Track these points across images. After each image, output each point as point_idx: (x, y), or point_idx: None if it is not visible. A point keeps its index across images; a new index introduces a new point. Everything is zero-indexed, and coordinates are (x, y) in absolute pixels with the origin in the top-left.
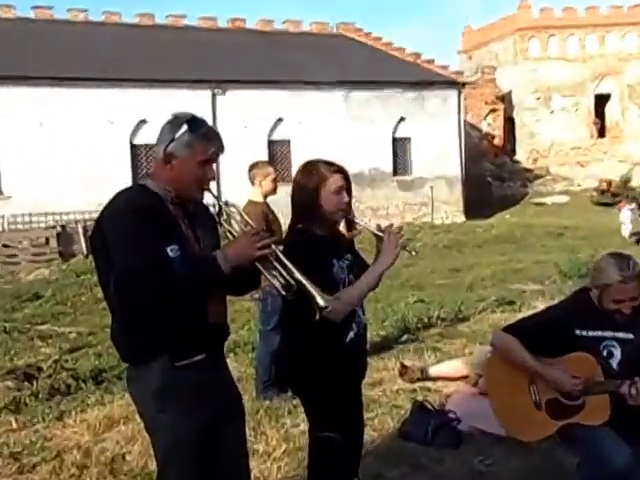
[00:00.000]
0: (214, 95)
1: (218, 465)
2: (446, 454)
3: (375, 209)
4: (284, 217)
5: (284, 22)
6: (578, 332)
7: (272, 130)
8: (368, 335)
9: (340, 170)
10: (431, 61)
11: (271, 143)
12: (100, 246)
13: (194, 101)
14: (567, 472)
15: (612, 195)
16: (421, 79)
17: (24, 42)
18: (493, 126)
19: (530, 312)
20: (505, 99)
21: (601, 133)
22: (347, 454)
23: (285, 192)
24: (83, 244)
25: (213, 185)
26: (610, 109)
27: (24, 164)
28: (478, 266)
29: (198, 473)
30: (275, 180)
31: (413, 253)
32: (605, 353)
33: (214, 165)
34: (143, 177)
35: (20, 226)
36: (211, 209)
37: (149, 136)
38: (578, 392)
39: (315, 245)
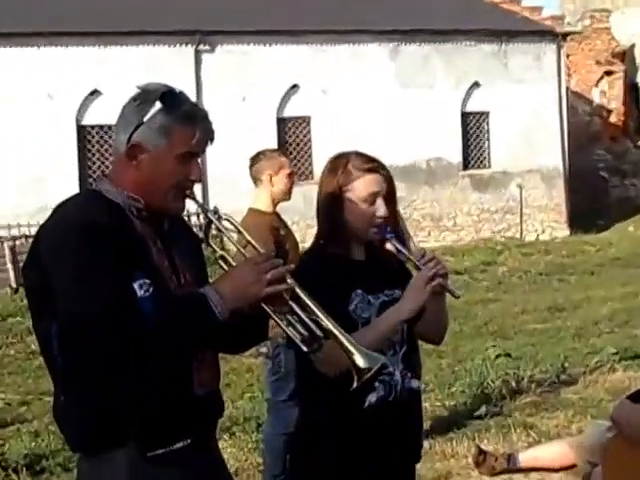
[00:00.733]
0: (198, 52)
1: None
2: None
3: (436, 219)
4: (301, 231)
5: None
6: None
7: (283, 103)
8: (427, 405)
9: (376, 169)
10: (517, 1)
11: (282, 122)
12: (36, 281)
13: (169, 63)
14: None
15: None
16: (503, 27)
17: None
18: (609, 96)
19: None
20: (626, 57)
21: None
22: None
23: (302, 194)
24: (11, 273)
25: (198, 189)
26: None
27: None
28: (589, 302)
29: None
30: (291, 176)
31: (457, 295)
32: None
33: (199, 160)
34: (98, 179)
35: None
36: (195, 224)
37: (104, 113)
38: None
39: (325, 268)
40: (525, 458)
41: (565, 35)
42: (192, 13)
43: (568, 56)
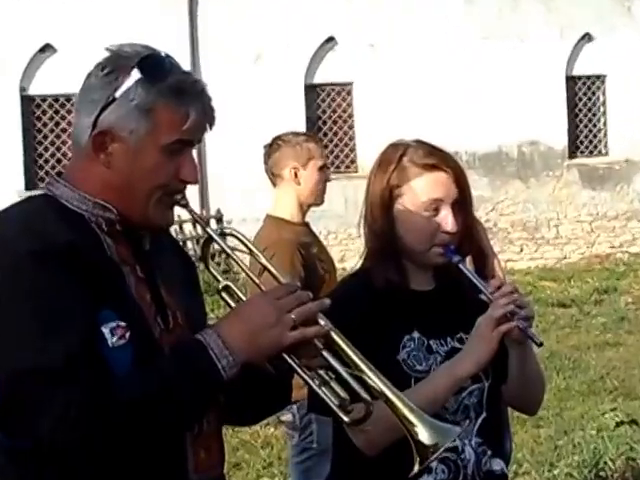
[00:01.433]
0: None
1: None
2: None
3: (531, 228)
4: (339, 246)
5: None
6: None
7: (314, 64)
8: None
9: (441, 165)
10: None
11: (312, 92)
12: None
13: (151, 10)
14: None
15: None
16: None
17: None
18: None
19: None
20: None
21: None
22: None
23: (341, 193)
24: None
25: (193, 193)
26: None
27: None
28: None
29: None
30: (323, 170)
31: (538, 341)
32: None
33: (194, 152)
34: (51, 180)
35: None
36: (187, 243)
37: (59, 79)
38: None
39: (371, 302)
40: None
41: None
42: None
43: None
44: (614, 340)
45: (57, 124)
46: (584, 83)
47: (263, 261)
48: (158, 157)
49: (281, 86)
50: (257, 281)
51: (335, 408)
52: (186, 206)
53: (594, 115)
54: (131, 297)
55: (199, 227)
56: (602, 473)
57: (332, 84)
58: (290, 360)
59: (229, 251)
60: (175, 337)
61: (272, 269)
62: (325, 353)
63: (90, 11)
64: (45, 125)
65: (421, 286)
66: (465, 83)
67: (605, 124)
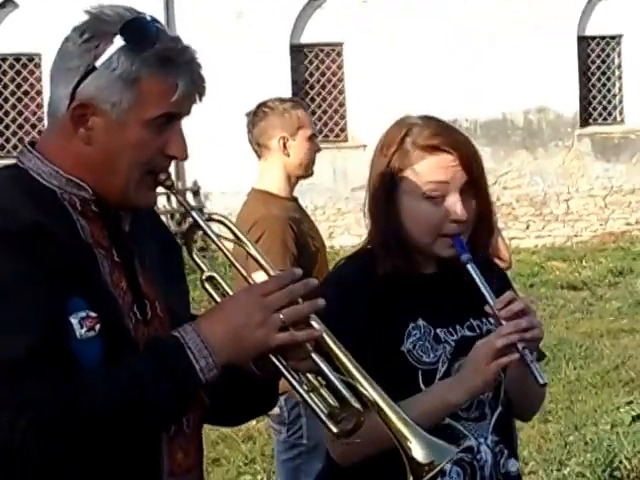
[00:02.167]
0: None
1: None
2: None
3: (538, 203)
4: (327, 222)
5: None
6: None
7: (300, 22)
8: None
9: (447, 145)
10: None
11: (298, 52)
12: None
13: None
14: None
15: None
16: None
17: None
18: None
19: None
20: None
21: None
22: None
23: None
24: None
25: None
26: None
27: None
28: None
29: None
30: (313, 139)
31: (541, 381)
32: None
33: (181, 125)
34: (22, 151)
35: None
36: (171, 225)
37: (21, 38)
38: None
39: (372, 286)
40: None
41: None
42: None
43: None
44: (630, 326)
45: (19, 86)
46: (598, 44)
47: (253, 252)
48: (143, 132)
49: (264, 46)
50: (243, 273)
51: (323, 417)
52: (171, 187)
53: (608, 79)
54: (104, 284)
55: (173, 199)
56: (617, 473)
57: (320, 44)
58: (277, 361)
59: (217, 241)
60: (153, 329)
61: (262, 260)
62: (315, 356)
63: None
64: (6, 87)
65: (425, 269)
66: (466, 43)
67: (620, 89)
